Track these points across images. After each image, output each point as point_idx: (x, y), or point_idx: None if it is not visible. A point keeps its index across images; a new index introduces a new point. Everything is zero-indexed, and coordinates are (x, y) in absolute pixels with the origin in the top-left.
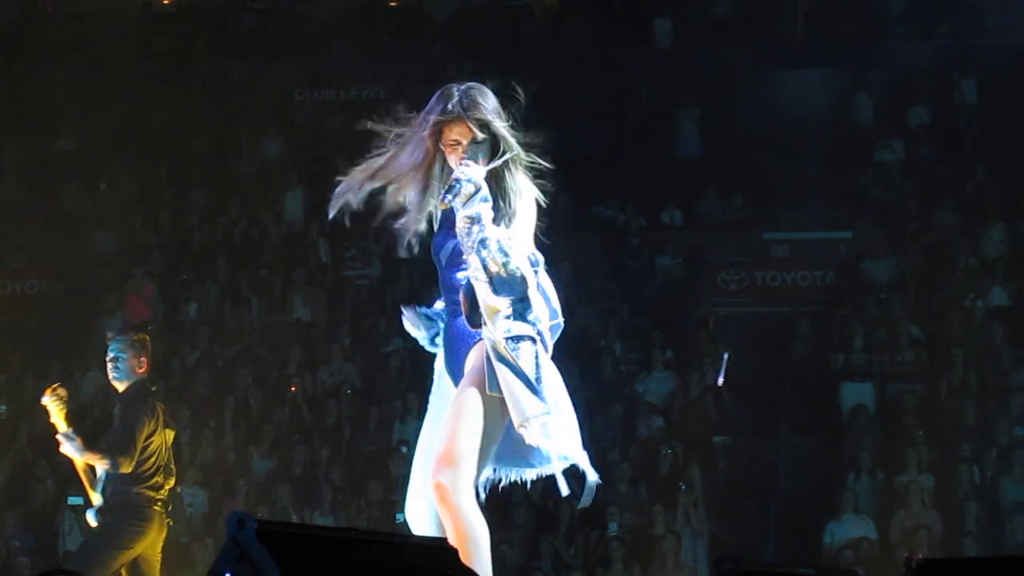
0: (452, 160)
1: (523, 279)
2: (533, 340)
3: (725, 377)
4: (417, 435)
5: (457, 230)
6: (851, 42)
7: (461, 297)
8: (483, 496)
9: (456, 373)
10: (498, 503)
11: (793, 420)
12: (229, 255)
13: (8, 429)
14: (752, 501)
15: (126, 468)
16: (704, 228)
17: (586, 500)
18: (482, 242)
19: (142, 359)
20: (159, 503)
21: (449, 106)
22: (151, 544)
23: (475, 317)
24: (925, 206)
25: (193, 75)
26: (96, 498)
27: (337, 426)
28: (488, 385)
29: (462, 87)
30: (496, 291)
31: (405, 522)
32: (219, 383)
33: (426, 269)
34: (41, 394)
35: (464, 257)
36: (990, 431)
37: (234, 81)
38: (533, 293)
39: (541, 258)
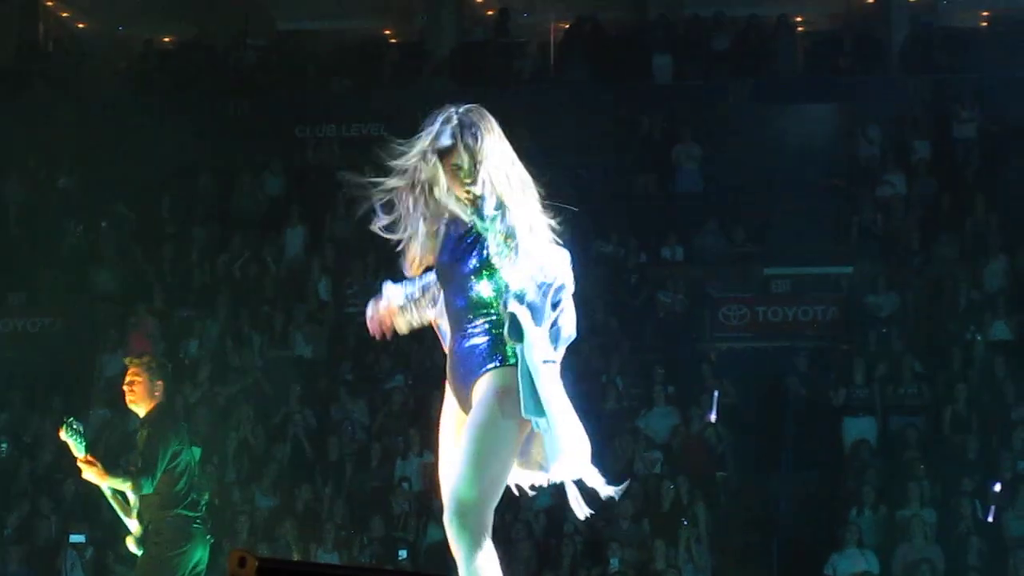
0: (455, 183)
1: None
2: (554, 363)
3: (718, 413)
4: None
5: (492, 245)
6: (851, 77)
7: (504, 311)
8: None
9: (462, 399)
10: (500, 539)
11: (795, 455)
12: (230, 292)
13: (10, 467)
14: (754, 536)
15: (148, 488)
16: (705, 263)
17: (585, 510)
18: (516, 251)
19: (158, 383)
20: (198, 520)
21: (449, 136)
22: (199, 562)
23: (515, 334)
24: (926, 240)
25: (194, 112)
26: (134, 526)
27: (339, 462)
28: (524, 409)
29: (460, 110)
30: (534, 314)
31: (408, 558)
32: (221, 420)
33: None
34: (42, 431)
35: (499, 271)
36: (993, 465)
37: (235, 118)
38: (563, 318)
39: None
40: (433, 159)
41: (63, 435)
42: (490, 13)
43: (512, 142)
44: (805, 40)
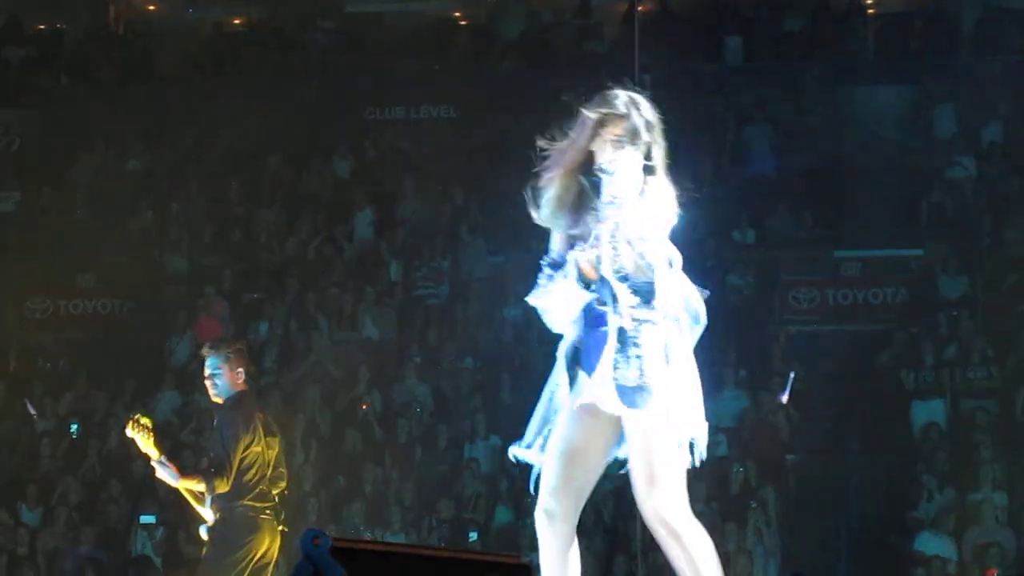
0: (606, 155)
1: (651, 268)
2: (656, 326)
3: (790, 395)
4: (486, 454)
5: (604, 208)
6: (922, 58)
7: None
8: None
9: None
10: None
11: (864, 438)
12: (299, 274)
13: (80, 447)
14: (824, 519)
15: (223, 487)
16: (776, 246)
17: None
18: (617, 227)
19: (239, 371)
20: (267, 511)
21: (619, 104)
22: (266, 552)
23: (603, 298)
24: (996, 222)
25: (263, 95)
26: (208, 514)
27: (408, 445)
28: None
29: (626, 90)
30: (626, 280)
31: (478, 540)
32: (289, 402)
33: (494, 288)
34: (112, 413)
35: (595, 236)
36: None
37: (304, 101)
38: (669, 285)
39: (679, 259)
40: (594, 129)
41: (129, 431)
42: None
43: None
44: (876, 22)
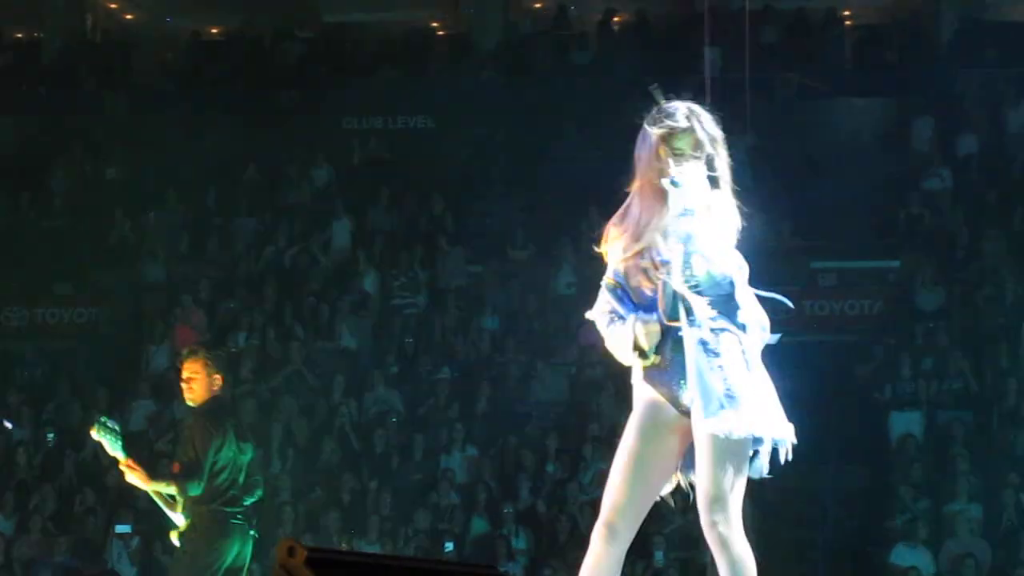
0: (671, 168)
1: (728, 280)
2: (734, 335)
3: None
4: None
5: (675, 221)
6: (899, 70)
7: (659, 293)
8: None
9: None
10: (546, 532)
11: (841, 449)
12: (276, 283)
13: (56, 457)
14: (801, 531)
15: (196, 490)
16: (751, 256)
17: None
18: (689, 238)
19: (215, 377)
20: (238, 516)
21: (680, 117)
22: (237, 557)
23: (673, 311)
24: (973, 234)
25: (241, 104)
26: (179, 519)
27: (384, 454)
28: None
29: (684, 103)
30: (700, 291)
31: (454, 550)
32: (266, 411)
33: (471, 297)
34: (89, 422)
35: (666, 247)
36: None
37: (282, 110)
38: (740, 295)
39: (746, 268)
40: (659, 144)
41: (95, 434)
42: (537, 6)
43: (558, 133)
44: (853, 33)
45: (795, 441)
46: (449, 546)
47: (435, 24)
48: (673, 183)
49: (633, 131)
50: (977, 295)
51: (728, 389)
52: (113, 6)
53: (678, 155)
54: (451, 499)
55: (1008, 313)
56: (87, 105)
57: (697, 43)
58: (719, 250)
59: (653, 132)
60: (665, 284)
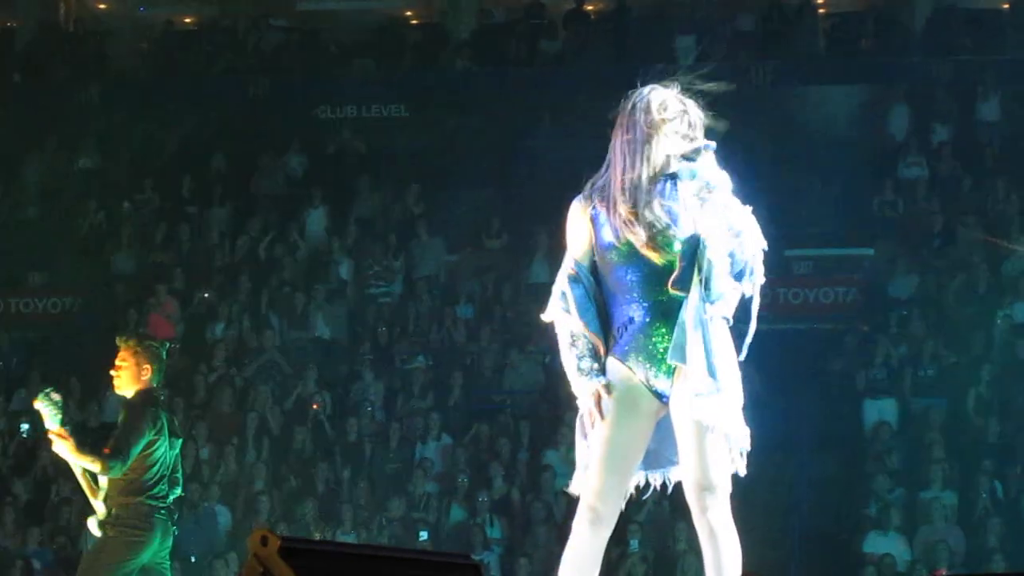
0: (675, 150)
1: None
2: (728, 321)
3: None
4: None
5: (695, 190)
6: (873, 58)
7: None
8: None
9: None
10: (521, 520)
11: (816, 437)
12: (251, 273)
13: (30, 447)
14: (775, 518)
15: (116, 473)
16: None
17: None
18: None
19: (146, 367)
20: (163, 511)
21: (673, 105)
22: (157, 552)
23: (686, 279)
24: (947, 222)
25: (215, 93)
26: (99, 507)
27: (358, 444)
28: (671, 354)
29: (671, 91)
30: (731, 265)
31: (429, 539)
32: (241, 401)
33: (446, 286)
34: (64, 412)
35: (695, 214)
36: (1013, 448)
37: (256, 99)
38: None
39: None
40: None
41: (37, 404)
42: None
43: (533, 122)
44: (827, 21)
45: (748, 448)
46: (424, 535)
47: (409, 13)
48: (687, 158)
49: (606, 120)
50: (951, 283)
51: (717, 376)
52: None
53: (678, 138)
54: (426, 488)
55: (982, 301)
56: (60, 94)
57: (671, 31)
58: (748, 227)
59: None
60: (684, 252)
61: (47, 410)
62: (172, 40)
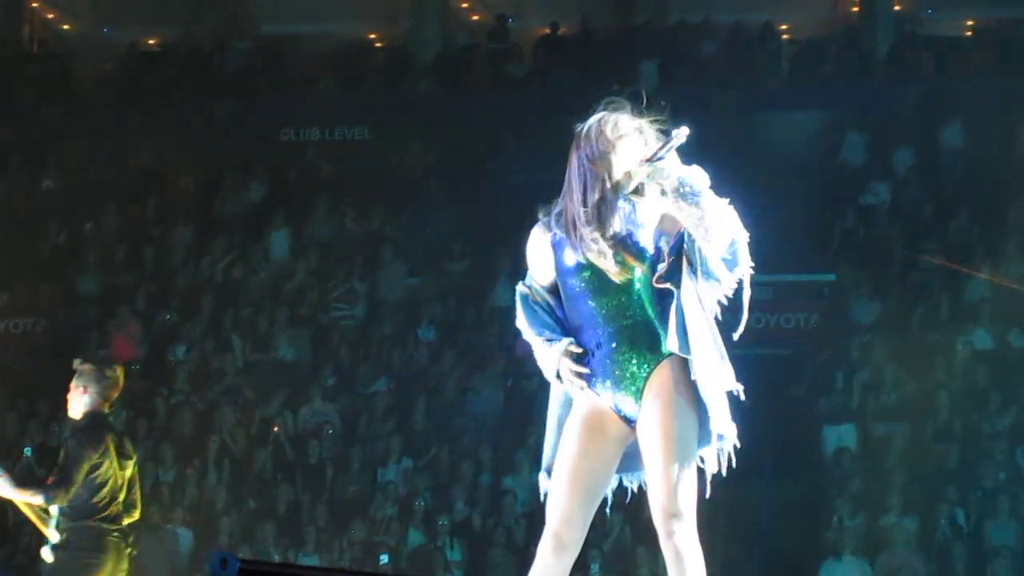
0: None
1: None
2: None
3: None
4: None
5: (668, 185)
6: (835, 84)
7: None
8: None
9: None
10: (481, 544)
11: (776, 462)
12: (214, 295)
13: None
14: (736, 544)
15: (61, 501)
16: None
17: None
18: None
19: (111, 393)
20: (116, 534)
21: (626, 122)
22: (113, 574)
23: (673, 272)
24: (909, 248)
25: (178, 114)
26: (52, 534)
27: (320, 466)
28: (680, 345)
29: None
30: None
31: (390, 562)
32: (203, 423)
33: (409, 309)
34: (22, 433)
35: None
36: (974, 474)
37: (219, 120)
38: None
39: None
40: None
41: None
42: (475, 18)
43: (497, 145)
44: (790, 47)
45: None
46: (385, 558)
47: (373, 36)
48: (657, 159)
49: (569, 144)
50: (912, 309)
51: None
52: (50, 16)
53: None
54: (387, 511)
55: (943, 327)
56: (24, 115)
57: (635, 56)
58: (730, 217)
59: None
60: (672, 248)
61: None
62: (136, 62)
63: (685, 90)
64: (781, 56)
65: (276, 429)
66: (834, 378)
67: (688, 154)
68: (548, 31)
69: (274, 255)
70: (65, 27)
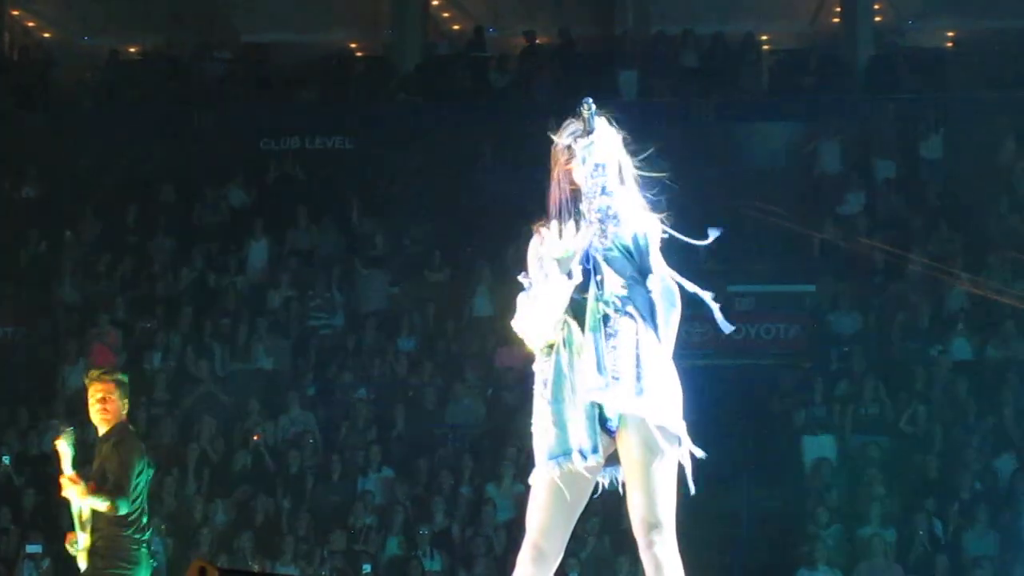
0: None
1: (641, 239)
2: (633, 318)
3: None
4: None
5: (586, 188)
6: (815, 96)
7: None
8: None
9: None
10: (461, 554)
11: (755, 473)
12: (193, 303)
13: None
14: (714, 554)
15: (123, 510)
16: None
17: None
18: (615, 217)
19: (125, 400)
20: (144, 544)
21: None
22: None
23: (584, 284)
24: (889, 259)
25: (159, 123)
26: (83, 538)
27: (300, 475)
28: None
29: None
30: (614, 266)
31: (371, 572)
32: (182, 431)
33: (388, 318)
34: (3, 441)
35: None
36: (953, 485)
37: (199, 129)
38: (653, 259)
39: (658, 234)
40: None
41: (60, 444)
42: (456, 28)
43: (476, 155)
44: (770, 59)
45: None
46: (367, 568)
47: (354, 45)
48: (583, 104)
49: (549, 154)
50: (892, 320)
51: (615, 371)
52: (31, 24)
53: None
54: (366, 520)
55: (922, 338)
56: (3, 123)
57: (615, 67)
58: (631, 205)
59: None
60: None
61: (68, 452)
62: (116, 70)
63: (665, 100)
64: (762, 67)
65: (256, 438)
66: (813, 389)
67: (669, 164)
68: (528, 41)
69: (253, 264)
70: (45, 35)
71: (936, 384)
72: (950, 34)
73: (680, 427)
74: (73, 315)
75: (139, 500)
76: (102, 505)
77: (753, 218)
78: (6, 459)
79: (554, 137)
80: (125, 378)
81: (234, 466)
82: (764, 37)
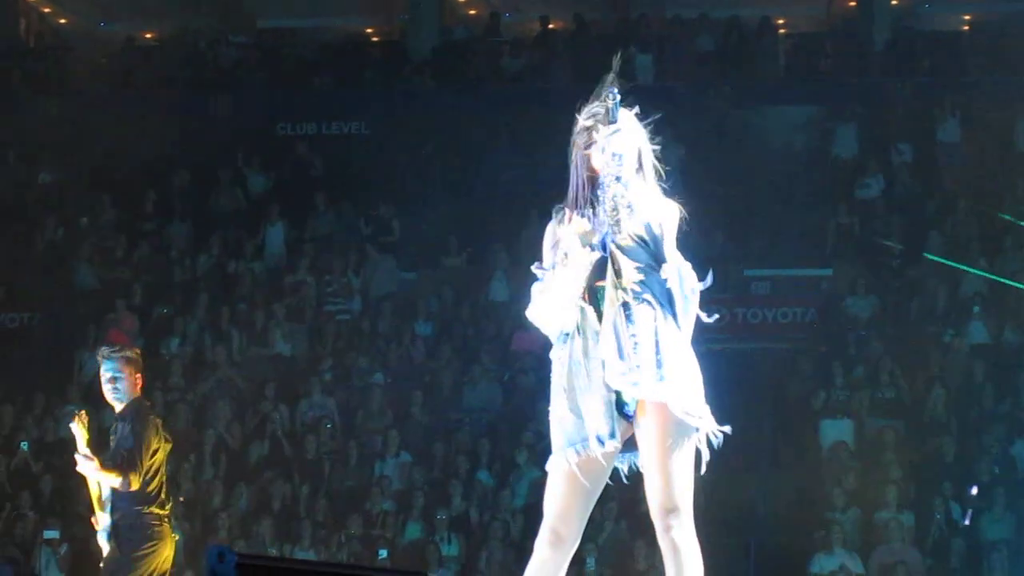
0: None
1: (655, 230)
2: (652, 306)
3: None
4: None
5: (604, 175)
6: (832, 79)
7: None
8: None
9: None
10: (478, 538)
11: (773, 457)
12: (210, 289)
13: None
14: (732, 538)
15: (135, 485)
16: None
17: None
18: (629, 206)
19: (138, 376)
20: (167, 520)
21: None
22: (164, 561)
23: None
24: (906, 243)
25: (175, 109)
26: (104, 518)
27: (317, 461)
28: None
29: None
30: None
31: (388, 557)
32: (199, 417)
33: (405, 304)
34: (20, 427)
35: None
36: (970, 468)
37: (216, 115)
38: (668, 248)
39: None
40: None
41: (74, 426)
42: (472, 13)
43: (492, 140)
44: (787, 42)
45: (719, 436)
46: (384, 553)
47: (370, 31)
48: (608, 95)
49: (565, 139)
50: (909, 304)
51: (636, 357)
52: (47, 10)
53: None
54: (384, 505)
55: (939, 322)
56: (20, 109)
57: (631, 51)
58: (646, 195)
59: (584, 122)
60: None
61: (80, 433)
62: (132, 56)
63: (681, 84)
64: (778, 51)
65: (274, 424)
66: (831, 373)
67: (685, 148)
68: (543, 25)
69: (269, 249)
70: (61, 21)
71: (953, 368)
72: (967, 17)
73: (704, 410)
74: (90, 301)
75: (158, 477)
76: (116, 480)
77: (769, 201)
78: (24, 445)
79: (577, 116)
80: (136, 354)
81: (251, 452)
82: (780, 20)
